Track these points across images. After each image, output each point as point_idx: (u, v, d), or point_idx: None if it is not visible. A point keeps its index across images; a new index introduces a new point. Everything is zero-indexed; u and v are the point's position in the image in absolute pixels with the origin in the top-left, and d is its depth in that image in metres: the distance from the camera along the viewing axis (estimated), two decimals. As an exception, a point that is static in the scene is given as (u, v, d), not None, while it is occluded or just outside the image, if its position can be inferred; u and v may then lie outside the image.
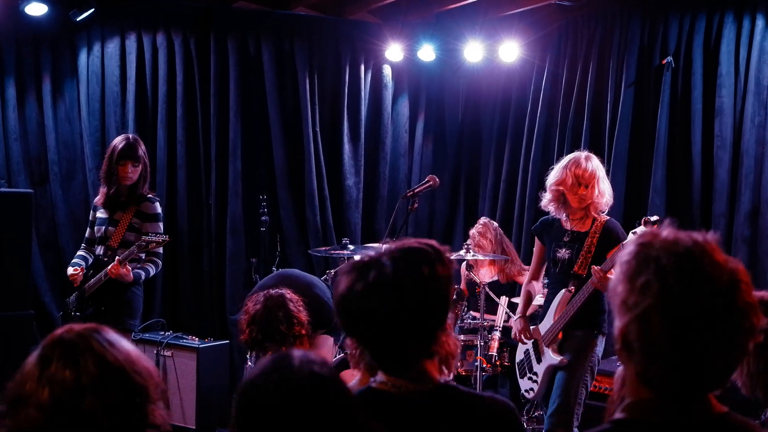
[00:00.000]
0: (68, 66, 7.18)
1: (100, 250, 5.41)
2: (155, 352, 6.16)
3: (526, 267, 6.53)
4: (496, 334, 6.04)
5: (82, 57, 7.16)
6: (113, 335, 1.96)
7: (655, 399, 1.64)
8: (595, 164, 4.71)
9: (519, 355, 5.12)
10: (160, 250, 5.41)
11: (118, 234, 5.32)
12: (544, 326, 4.84)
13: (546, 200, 4.82)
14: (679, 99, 6.30)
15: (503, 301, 6.15)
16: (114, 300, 5.31)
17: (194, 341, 6.24)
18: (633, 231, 4.39)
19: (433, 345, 2.06)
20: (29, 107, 7.06)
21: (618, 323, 1.66)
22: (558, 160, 6.86)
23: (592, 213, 4.72)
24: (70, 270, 5.43)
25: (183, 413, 6.06)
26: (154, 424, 1.92)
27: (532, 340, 4.93)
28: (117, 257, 5.14)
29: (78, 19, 6.83)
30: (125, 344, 1.95)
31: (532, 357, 4.95)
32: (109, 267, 5.12)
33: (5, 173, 6.94)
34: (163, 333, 6.33)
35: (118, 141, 5.46)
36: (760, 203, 5.89)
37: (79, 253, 5.65)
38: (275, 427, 1.70)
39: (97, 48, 7.16)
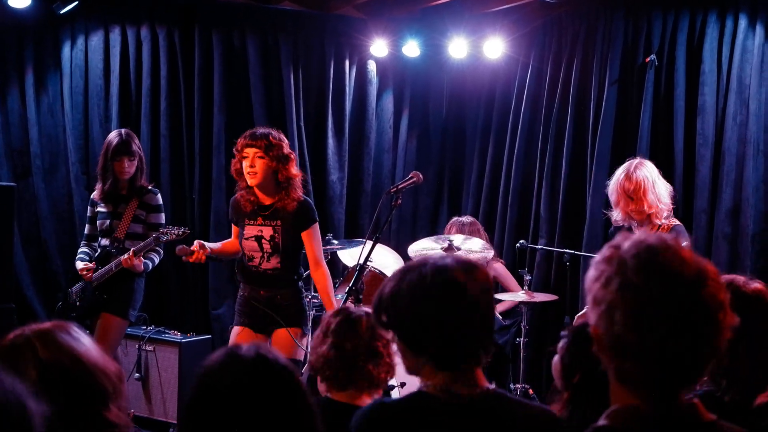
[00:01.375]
0: (51, 59, 7.14)
1: (105, 242, 5.47)
2: (137, 346, 6.16)
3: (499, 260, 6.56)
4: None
5: (66, 50, 7.12)
6: (65, 335, 1.92)
7: (640, 406, 1.63)
8: (642, 174, 4.77)
9: None
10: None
11: (124, 226, 5.40)
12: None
13: (620, 218, 4.87)
14: (661, 97, 6.33)
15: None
16: (118, 290, 5.39)
17: (176, 336, 6.24)
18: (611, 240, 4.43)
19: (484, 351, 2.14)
20: (12, 100, 7.02)
21: (590, 322, 1.68)
22: (541, 156, 6.96)
23: (655, 221, 4.76)
24: (80, 264, 5.47)
25: (165, 408, 6.06)
26: (111, 424, 1.89)
27: None
28: (132, 249, 5.23)
29: (62, 12, 6.79)
30: (76, 344, 1.91)
31: None
32: (124, 257, 5.20)
33: (-13, 166, 6.91)
34: (145, 327, 6.32)
35: (113, 137, 5.50)
36: (741, 201, 5.92)
37: (82, 249, 5.66)
38: (223, 406, 1.74)
39: (80, 41, 7.13)
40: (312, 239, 4.93)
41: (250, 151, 4.76)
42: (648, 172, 4.80)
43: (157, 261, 5.59)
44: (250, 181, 4.78)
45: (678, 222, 4.94)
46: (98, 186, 5.57)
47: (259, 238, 4.90)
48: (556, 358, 2.49)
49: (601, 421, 1.68)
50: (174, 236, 5.20)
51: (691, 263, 1.61)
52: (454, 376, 2.08)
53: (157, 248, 5.54)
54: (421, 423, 2.05)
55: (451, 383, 2.07)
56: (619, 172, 4.86)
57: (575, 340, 2.39)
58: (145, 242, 5.28)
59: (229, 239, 5.22)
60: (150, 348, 6.15)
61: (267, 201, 4.89)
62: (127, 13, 7.23)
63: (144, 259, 5.37)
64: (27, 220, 7.05)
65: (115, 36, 7.18)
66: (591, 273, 1.70)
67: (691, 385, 1.67)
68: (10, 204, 6.00)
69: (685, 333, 1.58)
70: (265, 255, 4.90)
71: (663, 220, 4.80)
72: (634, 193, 4.70)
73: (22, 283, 6.90)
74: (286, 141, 4.96)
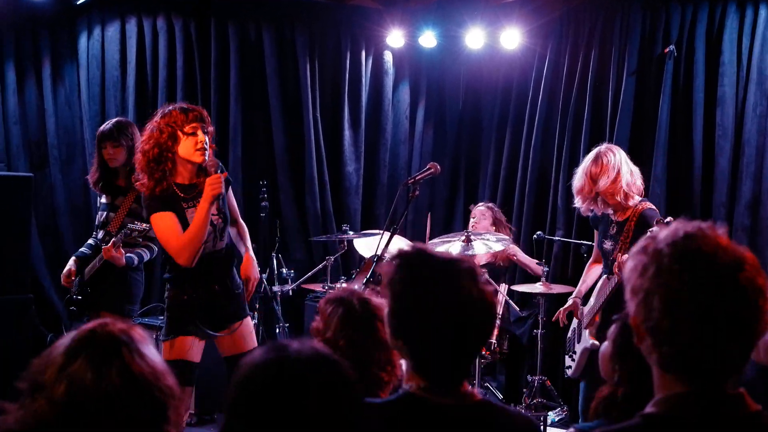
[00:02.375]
0: (68, 50, 7.16)
1: (100, 234, 5.34)
2: (154, 336, 6.16)
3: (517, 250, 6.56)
4: (496, 322, 6.04)
5: (82, 41, 7.14)
6: (146, 345, 1.88)
7: (687, 394, 1.63)
8: (609, 157, 4.74)
9: (569, 333, 5.23)
10: None
11: (117, 219, 5.23)
12: (587, 307, 4.92)
13: (581, 208, 4.83)
14: (680, 88, 6.28)
15: (503, 288, 6.15)
16: (112, 285, 5.22)
17: (193, 326, 6.22)
18: (650, 230, 4.37)
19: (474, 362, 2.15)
20: (29, 91, 7.05)
21: (630, 312, 1.68)
22: (559, 148, 6.92)
23: (629, 202, 4.72)
24: (65, 269, 5.36)
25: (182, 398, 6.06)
26: None
27: (578, 321, 5.01)
28: (113, 239, 4.98)
29: (78, 3, 6.81)
30: (155, 357, 1.88)
31: (575, 337, 5.03)
32: (104, 246, 5.00)
33: (5, 157, 6.93)
34: (161, 318, 6.32)
35: (103, 125, 5.39)
36: (760, 193, 5.88)
37: (88, 241, 5.53)
38: (271, 406, 1.66)
39: (97, 32, 7.14)
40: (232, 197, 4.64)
41: (198, 127, 4.24)
42: (615, 156, 4.75)
43: (146, 257, 5.31)
44: (200, 159, 4.25)
45: (651, 206, 4.86)
46: (89, 176, 5.42)
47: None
48: (607, 345, 2.48)
49: (649, 409, 1.68)
50: (137, 232, 4.82)
51: (728, 249, 1.61)
52: (448, 390, 2.07)
53: (150, 244, 5.30)
54: (409, 425, 2.03)
55: (434, 387, 2.06)
56: (587, 159, 4.82)
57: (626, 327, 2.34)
58: (118, 236, 4.91)
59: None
60: (167, 339, 6.15)
61: (196, 179, 4.36)
62: (144, 4, 7.24)
63: (130, 253, 5.12)
64: (44, 211, 7.08)
65: (132, 27, 7.19)
66: (629, 264, 1.71)
67: (734, 373, 1.65)
68: (28, 194, 6.01)
69: (722, 318, 1.57)
70: (218, 233, 4.44)
71: (633, 203, 4.75)
72: (602, 176, 4.65)
73: (39, 273, 6.94)
74: None
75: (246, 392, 1.69)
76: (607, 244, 4.82)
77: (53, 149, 7.09)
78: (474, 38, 7.33)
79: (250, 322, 4.66)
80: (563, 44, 7.11)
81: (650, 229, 4.35)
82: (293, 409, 1.64)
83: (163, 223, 4.20)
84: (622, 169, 4.73)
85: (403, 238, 6.97)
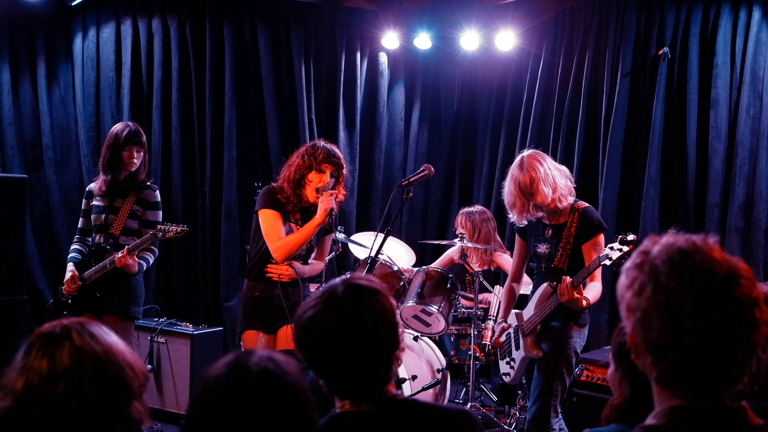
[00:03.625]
0: (63, 50, 7.17)
1: (99, 238, 5.25)
2: (149, 338, 6.17)
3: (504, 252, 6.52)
4: (490, 323, 6.05)
5: (77, 42, 7.14)
6: (99, 329, 1.99)
7: (687, 407, 1.64)
8: (532, 165, 4.54)
9: (502, 337, 5.10)
10: None
11: (120, 221, 5.18)
12: (525, 315, 4.82)
13: (516, 219, 4.74)
14: (674, 89, 6.30)
15: (497, 290, 6.16)
16: (116, 288, 5.16)
17: (188, 328, 6.25)
18: (610, 246, 4.27)
19: (392, 368, 2.15)
20: (23, 92, 7.05)
21: (627, 330, 1.70)
22: (553, 149, 6.93)
23: (560, 206, 4.58)
24: (68, 275, 5.22)
25: (176, 399, 6.08)
26: (132, 420, 1.94)
27: (514, 326, 4.91)
28: (126, 246, 4.99)
29: (73, 4, 6.82)
30: (109, 338, 1.99)
31: (512, 342, 4.95)
32: (117, 255, 4.96)
33: (-1, 158, 6.93)
34: (157, 319, 6.34)
35: (121, 128, 5.27)
36: (753, 195, 5.90)
37: (74, 247, 5.41)
38: (226, 422, 1.70)
39: (92, 33, 7.14)
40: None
41: (328, 170, 4.89)
42: (543, 164, 4.55)
43: (151, 261, 5.34)
44: (313, 197, 4.89)
45: (587, 204, 4.71)
46: (101, 178, 5.30)
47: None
48: (611, 367, 2.47)
49: (649, 421, 1.69)
50: (172, 233, 4.96)
51: (723, 263, 1.62)
52: (363, 399, 2.13)
53: (152, 247, 5.30)
54: None
55: (362, 405, 2.12)
56: (511, 172, 4.64)
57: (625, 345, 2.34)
58: (141, 239, 5.03)
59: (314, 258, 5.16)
60: (162, 340, 6.16)
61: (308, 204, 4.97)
62: (138, 4, 7.25)
63: (138, 259, 5.13)
64: (39, 212, 7.08)
65: (127, 28, 7.20)
66: (622, 281, 1.71)
67: (732, 385, 1.66)
68: (22, 196, 6.01)
69: (721, 332, 1.59)
70: (307, 253, 5.02)
71: (567, 203, 4.61)
72: (530, 187, 4.53)
73: (34, 274, 6.94)
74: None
75: (202, 404, 1.75)
76: (542, 248, 4.70)
77: (48, 150, 7.09)
78: (469, 40, 7.34)
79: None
80: (558, 46, 7.12)
81: (611, 246, 4.25)
82: (242, 422, 1.69)
83: (274, 219, 4.84)
84: (554, 175, 4.54)
85: (397, 240, 6.98)
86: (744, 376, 1.67)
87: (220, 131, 7.43)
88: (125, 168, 5.22)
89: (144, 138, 5.31)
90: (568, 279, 4.35)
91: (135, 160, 5.23)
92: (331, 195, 4.81)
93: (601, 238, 4.63)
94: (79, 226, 5.46)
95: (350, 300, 2.08)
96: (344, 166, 5.00)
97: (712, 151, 6.06)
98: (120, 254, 4.97)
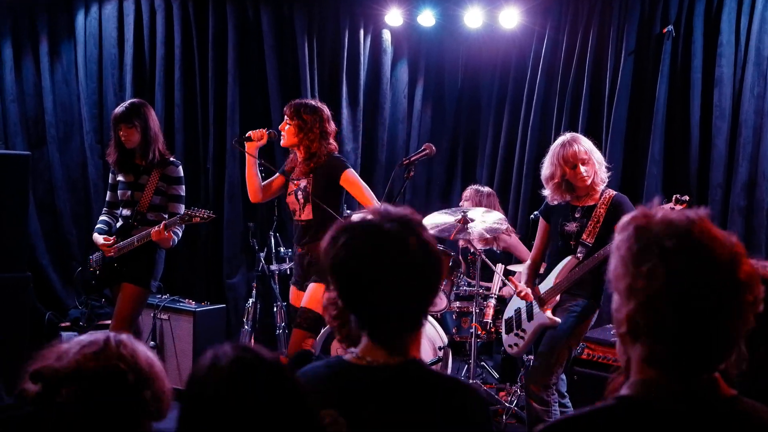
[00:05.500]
0: (65, 28, 7.15)
1: (126, 212, 5.42)
2: (152, 315, 6.20)
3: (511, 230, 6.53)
4: (492, 302, 6.06)
5: (80, 18, 7.12)
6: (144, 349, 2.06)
7: (662, 378, 1.65)
8: (582, 141, 4.72)
9: (508, 313, 5.16)
10: (181, 211, 5.39)
11: (146, 198, 5.34)
12: (543, 287, 4.89)
13: (550, 196, 4.82)
14: (678, 68, 6.27)
15: (499, 268, 6.17)
16: (140, 261, 5.35)
17: (191, 305, 6.28)
18: (661, 208, 4.31)
19: (425, 313, 2.07)
20: (26, 69, 7.05)
21: (625, 309, 1.65)
22: (557, 127, 6.91)
23: (596, 188, 4.74)
24: (100, 239, 5.39)
25: (180, 376, 6.11)
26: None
27: (526, 302, 4.97)
28: (163, 222, 5.19)
29: (75, -20, 6.79)
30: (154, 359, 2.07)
31: (523, 315, 5.00)
32: (155, 229, 5.18)
33: (2, 135, 6.94)
34: (160, 296, 6.36)
35: (117, 108, 5.44)
36: (757, 174, 5.89)
37: (102, 218, 5.58)
38: (213, 415, 1.69)
39: (94, 9, 7.13)
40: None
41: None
42: (585, 140, 4.76)
43: (180, 234, 5.50)
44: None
45: (617, 192, 4.84)
46: (112, 156, 5.47)
47: (296, 192, 5.26)
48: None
49: (624, 391, 1.69)
50: (198, 219, 5.19)
51: (723, 242, 1.63)
52: (385, 341, 2.04)
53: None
54: (337, 388, 2.02)
55: (379, 350, 2.03)
56: (558, 146, 4.75)
57: None
58: (173, 218, 5.23)
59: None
60: (165, 317, 6.19)
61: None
62: (141, -19, 7.21)
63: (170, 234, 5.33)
64: (42, 189, 7.09)
65: (129, 4, 7.18)
66: (620, 255, 1.68)
67: (722, 363, 1.68)
68: (25, 173, 6.02)
69: (726, 314, 1.60)
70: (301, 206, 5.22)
71: (600, 189, 4.77)
72: (580, 159, 4.65)
73: (37, 251, 6.96)
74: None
75: (194, 393, 1.74)
76: (571, 226, 4.80)
77: (51, 127, 7.10)
78: (473, 17, 7.31)
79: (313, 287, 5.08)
80: (562, 23, 7.08)
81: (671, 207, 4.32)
82: (228, 419, 1.68)
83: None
84: (597, 156, 4.74)
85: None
86: (731, 355, 1.68)
87: (223, 109, 7.42)
88: (124, 147, 5.37)
89: (134, 115, 5.32)
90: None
91: (127, 138, 5.33)
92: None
93: None
94: (107, 199, 5.64)
95: (399, 228, 1.97)
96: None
97: (716, 130, 6.05)
98: (157, 228, 5.18)
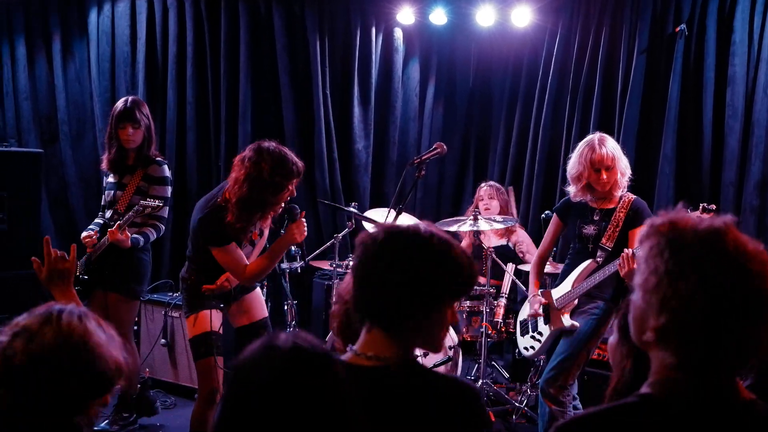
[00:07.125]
0: (78, 25, 7.18)
1: (108, 214, 5.25)
2: (163, 312, 6.22)
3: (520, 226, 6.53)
4: (502, 301, 6.05)
5: (92, 16, 7.15)
6: (95, 321, 2.06)
7: (684, 379, 1.66)
8: (610, 146, 4.66)
9: (523, 315, 5.14)
10: (164, 213, 5.26)
11: (125, 198, 5.15)
12: (559, 291, 4.85)
13: (573, 193, 4.80)
14: (691, 67, 6.25)
15: (510, 268, 6.16)
16: (119, 265, 5.13)
17: (202, 302, 6.27)
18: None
19: (424, 321, 2.07)
20: (39, 67, 7.08)
21: (655, 320, 1.65)
22: (568, 126, 6.89)
23: (615, 193, 4.69)
24: (84, 234, 5.23)
25: (190, 373, 6.12)
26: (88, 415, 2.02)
27: (541, 305, 4.95)
28: (117, 222, 4.92)
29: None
30: (100, 331, 2.05)
31: (537, 319, 4.97)
32: (108, 231, 4.92)
33: (15, 132, 6.97)
34: (171, 294, 6.38)
35: (118, 104, 5.22)
36: (769, 174, 5.87)
37: (96, 220, 5.42)
38: (261, 400, 1.70)
39: (107, 7, 7.15)
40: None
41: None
42: (615, 144, 4.70)
43: (152, 236, 5.24)
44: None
45: (636, 196, 4.78)
46: (104, 156, 5.27)
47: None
48: (614, 336, 2.48)
49: (645, 389, 1.71)
50: (150, 209, 4.86)
51: (752, 251, 1.64)
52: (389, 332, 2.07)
53: (156, 222, 5.25)
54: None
55: (379, 345, 2.06)
56: (587, 146, 4.71)
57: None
58: (127, 216, 4.89)
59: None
60: (176, 314, 6.21)
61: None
62: (154, -21, 7.23)
63: (136, 234, 5.08)
64: (54, 186, 7.13)
65: (142, 2, 7.20)
66: (650, 264, 1.68)
67: (744, 367, 1.70)
68: (38, 170, 6.05)
69: (754, 322, 1.62)
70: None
71: (621, 193, 4.72)
72: (609, 162, 4.63)
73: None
74: None
75: (237, 388, 1.73)
76: (589, 229, 4.76)
77: (63, 125, 7.13)
78: (484, 15, 7.29)
79: (258, 292, 4.82)
80: (574, 21, 7.07)
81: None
82: (276, 404, 1.68)
83: (236, 252, 4.38)
84: (622, 164, 4.67)
85: (411, 216, 6.98)
86: (749, 362, 1.69)
87: (235, 107, 7.43)
88: (123, 145, 5.16)
89: (140, 115, 5.16)
90: (630, 250, 4.36)
91: (131, 137, 5.14)
92: (304, 221, 4.44)
93: None
94: (101, 203, 5.44)
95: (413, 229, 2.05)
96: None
97: (728, 129, 6.02)
98: (110, 229, 4.90)
